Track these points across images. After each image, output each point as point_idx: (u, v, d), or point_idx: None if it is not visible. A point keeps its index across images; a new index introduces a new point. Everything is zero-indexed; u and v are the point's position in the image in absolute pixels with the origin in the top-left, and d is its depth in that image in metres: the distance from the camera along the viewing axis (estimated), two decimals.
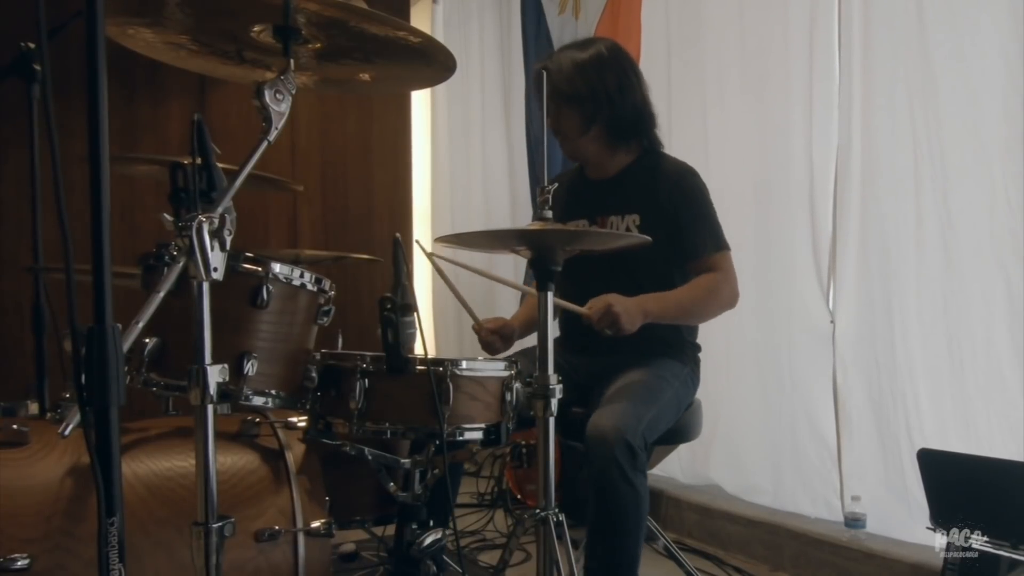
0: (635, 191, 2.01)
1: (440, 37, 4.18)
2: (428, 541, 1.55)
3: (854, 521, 2.26)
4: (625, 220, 2.00)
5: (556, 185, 1.46)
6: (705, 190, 2.01)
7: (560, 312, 1.74)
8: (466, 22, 4.26)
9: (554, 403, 1.45)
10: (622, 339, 1.84)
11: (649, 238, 1.52)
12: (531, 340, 1.54)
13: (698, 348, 2.09)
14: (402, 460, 1.64)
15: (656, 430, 1.79)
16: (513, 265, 3.70)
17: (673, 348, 1.99)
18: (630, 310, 1.78)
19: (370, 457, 1.58)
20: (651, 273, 1.97)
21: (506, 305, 3.82)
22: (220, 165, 1.16)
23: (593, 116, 1.98)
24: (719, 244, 1.97)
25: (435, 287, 4.43)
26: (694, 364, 2.05)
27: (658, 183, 1.99)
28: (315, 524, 1.49)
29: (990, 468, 1.72)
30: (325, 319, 1.61)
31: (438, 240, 1.61)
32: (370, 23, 1.24)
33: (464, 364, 1.50)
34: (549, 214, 1.44)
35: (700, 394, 2.10)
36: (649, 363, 1.91)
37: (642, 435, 1.70)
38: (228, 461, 1.50)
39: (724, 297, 1.97)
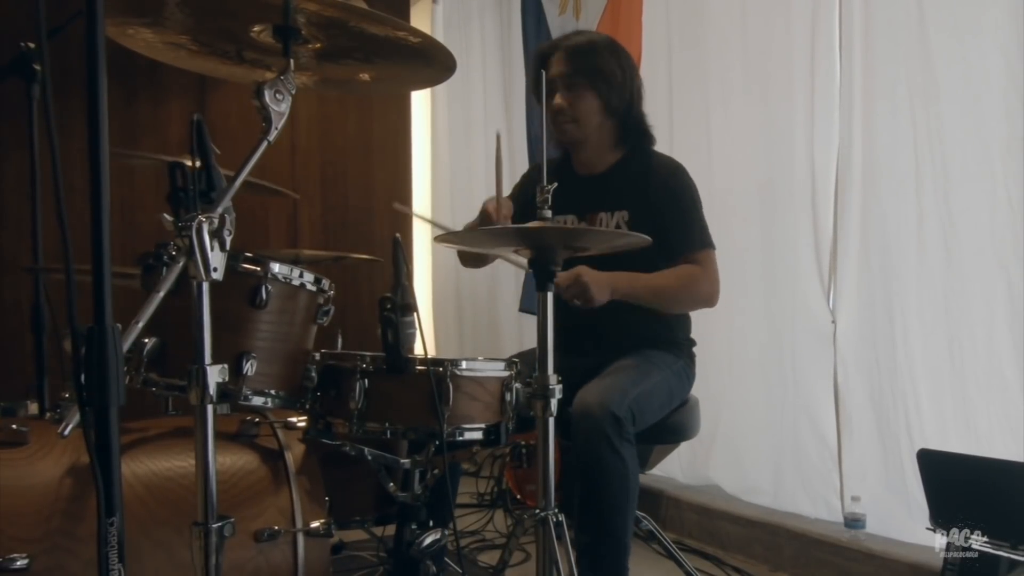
0: (625, 188, 2.00)
1: (440, 37, 4.18)
2: (428, 541, 1.55)
3: (854, 521, 2.26)
4: (615, 216, 1.99)
5: (556, 184, 1.45)
6: (693, 188, 2.00)
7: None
8: (466, 22, 4.26)
9: (554, 403, 1.45)
10: (614, 335, 1.83)
11: (649, 238, 1.52)
12: (530, 341, 1.54)
13: (692, 343, 2.09)
14: (402, 460, 1.64)
15: (645, 408, 1.78)
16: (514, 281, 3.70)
17: (666, 342, 1.99)
18: (599, 281, 1.78)
19: (370, 457, 1.58)
20: (639, 269, 1.97)
21: (509, 300, 3.83)
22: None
23: (611, 103, 1.97)
24: (704, 242, 1.96)
25: (435, 287, 4.44)
26: (688, 359, 2.06)
27: (648, 180, 1.98)
28: (315, 524, 1.49)
29: (990, 468, 1.72)
30: (325, 319, 1.61)
31: (438, 239, 1.61)
32: (370, 23, 1.24)
33: (464, 364, 1.50)
34: (549, 214, 1.44)
35: (701, 394, 2.10)
36: (640, 352, 1.91)
37: (628, 408, 1.70)
38: (228, 461, 1.50)
39: (701, 291, 1.94)
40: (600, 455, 1.66)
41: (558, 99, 1.95)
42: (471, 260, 2.24)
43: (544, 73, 1.54)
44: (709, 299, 1.95)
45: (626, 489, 1.69)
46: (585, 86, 1.96)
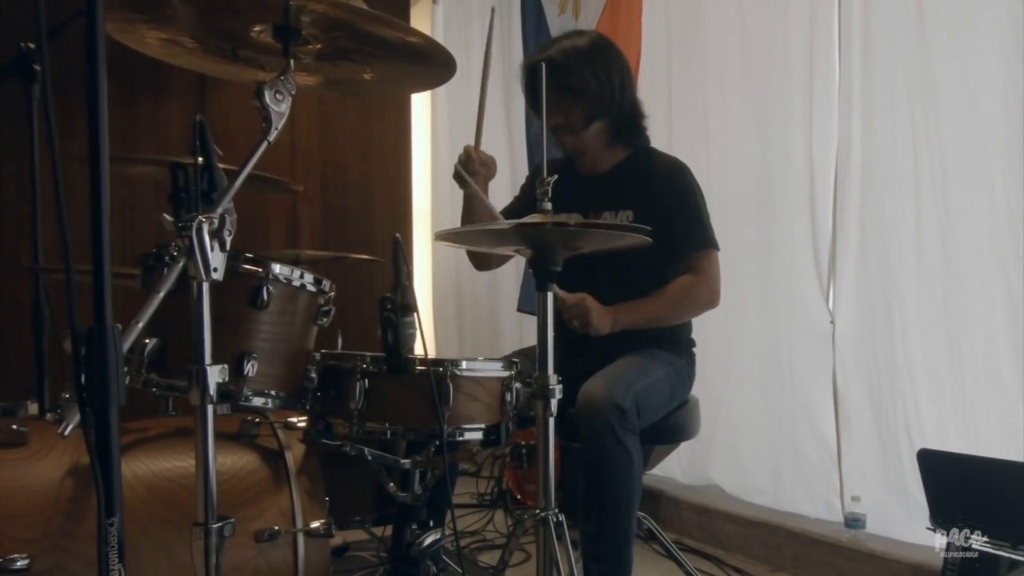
0: (629, 187, 2.01)
1: (440, 38, 4.18)
2: (428, 541, 1.55)
3: (854, 521, 2.26)
4: (619, 216, 2.00)
5: (556, 177, 1.45)
6: (697, 188, 2.02)
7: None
8: (466, 23, 4.26)
9: (554, 403, 1.45)
10: (615, 338, 1.84)
11: (649, 239, 1.51)
12: (530, 340, 1.54)
13: (693, 343, 2.10)
14: (402, 460, 1.64)
15: (648, 402, 1.79)
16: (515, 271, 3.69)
17: (667, 342, 2.00)
18: (602, 313, 1.82)
19: (370, 457, 1.58)
20: (641, 268, 1.97)
21: (508, 299, 3.83)
22: (220, 165, 1.16)
23: (598, 109, 1.98)
24: (706, 243, 1.98)
25: (435, 287, 4.44)
26: (689, 358, 2.06)
27: (652, 179, 1.99)
28: (315, 524, 1.49)
29: (990, 468, 1.72)
30: (325, 319, 1.60)
31: (438, 237, 1.61)
32: (375, 25, 1.23)
33: (464, 364, 1.50)
34: (548, 206, 1.44)
35: (700, 394, 2.10)
36: (642, 350, 1.93)
37: (632, 399, 1.71)
38: (228, 461, 1.50)
39: (699, 299, 1.97)
40: (605, 446, 1.67)
41: (552, 115, 1.96)
42: (480, 262, 2.25)
43: (541, 84, 1.54)
44: (710, 302, 1.98)
45: (630, 479, 1.70)
46: (571, 100, 1.97)
